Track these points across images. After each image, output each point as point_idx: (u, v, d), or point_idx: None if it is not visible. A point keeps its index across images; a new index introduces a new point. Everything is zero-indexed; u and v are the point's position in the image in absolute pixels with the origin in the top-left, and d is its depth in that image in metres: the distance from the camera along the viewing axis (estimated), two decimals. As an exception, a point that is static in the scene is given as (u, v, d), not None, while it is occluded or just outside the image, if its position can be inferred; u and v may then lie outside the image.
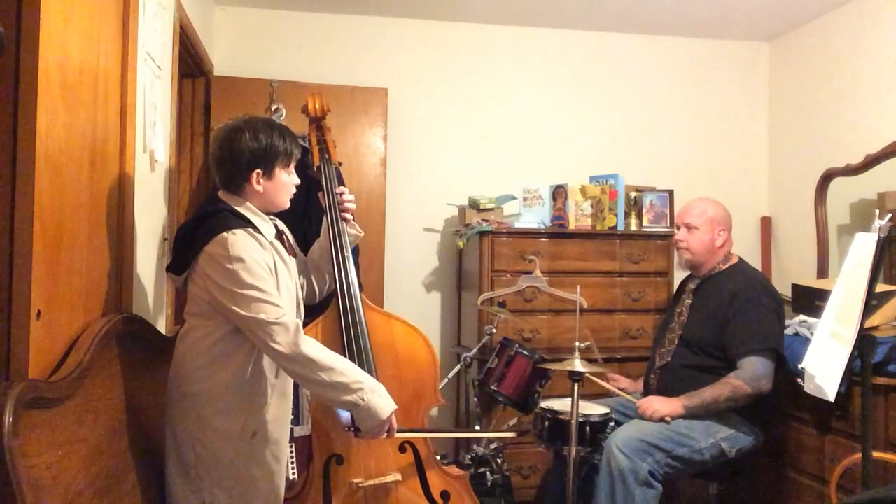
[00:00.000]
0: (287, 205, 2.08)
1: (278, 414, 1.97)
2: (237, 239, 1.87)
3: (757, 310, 2.66)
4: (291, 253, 2.11)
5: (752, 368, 2.58)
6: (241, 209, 1.99)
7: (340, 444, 2.18)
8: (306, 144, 3.21)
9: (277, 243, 2.03)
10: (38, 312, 1.42)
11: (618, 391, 2.84)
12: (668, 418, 2.57)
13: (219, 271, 1.85)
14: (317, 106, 2.39)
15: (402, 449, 2.24)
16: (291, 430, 2.08)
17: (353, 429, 2.02)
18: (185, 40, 2.89)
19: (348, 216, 2.34)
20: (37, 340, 1.41)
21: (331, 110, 2.45)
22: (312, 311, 2.33)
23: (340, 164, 2.48)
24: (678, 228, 2.91)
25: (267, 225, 2.01)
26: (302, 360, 1.83)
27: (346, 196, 2.34)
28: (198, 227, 1.93)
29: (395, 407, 1.97)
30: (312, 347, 1.86)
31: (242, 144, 1.98)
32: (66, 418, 1.47)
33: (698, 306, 2.83)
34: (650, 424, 2.58)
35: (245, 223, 1.94)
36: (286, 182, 2.04)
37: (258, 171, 1.98)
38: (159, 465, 2.01)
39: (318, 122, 2.42)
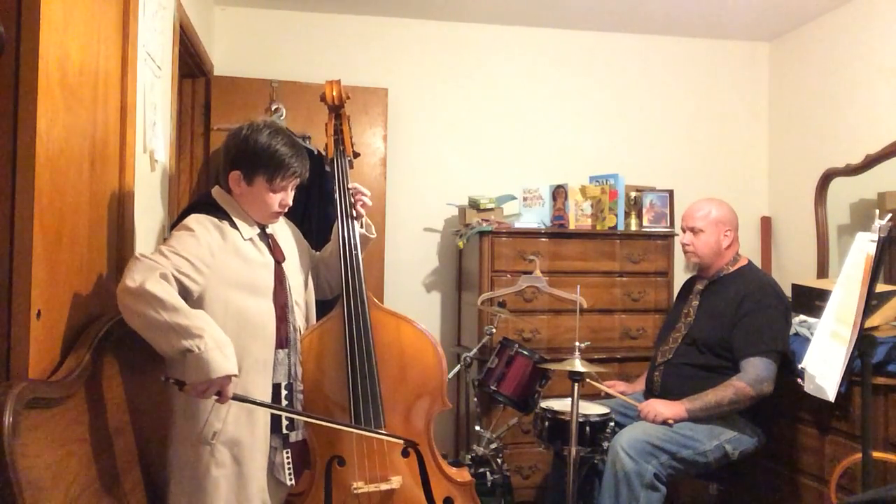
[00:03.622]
0: (263, 219, 2.05)
1: (240, 414, 1.93)
2: (198, 217, 1.92)
3: (765, 312, 2.65)
4: (279, 257, 2.09)
5: (755, 370, 2.57)
6: (224, 205, 2.01)
7: (342, 445, 2.17)
8: (308, 145, 3.20)
9: (259, 243, 2.03)
10: (38, 312, 1.42)
11: (618, 395, 2.83)
12: (670, 421, 2.57)
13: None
14: (334, 93, 2.34)
15: (405, 453, 2.21)
16: (287, 435, 2.05)
17: (174, 381, 1.76)
18: (185, 40, 2.89)
19: (361, 211, 2.28)
20: (37, 340, 1.41)
21: (350, 98, 2.39)
22: (326, 307, 2.31)
23: (357, 155, 2.42)
24: (683, 232, 2.88)
25: (246, 224, 2.01)
26: (145, 294, 1.68)
27: (360, 192, 2.29)
28: (180, 220, 1.97)
29: (234, 371, 1.76)
30: (162, 288, 1.71)
31: (234, 141, 2.00)
32: (66, 418, 1.47)
33: (706, 307, 2.82)
34: (655, 426, 2.57)
35: (223, 215, 1.96)
36: (264, 196, 1.99)
37: (238, 172, 1.98)
38: (159, 465, 2.01)
39: (336, 111, 2.36)
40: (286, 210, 2.07)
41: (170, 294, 1.73)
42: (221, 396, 1.78)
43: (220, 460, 1.92)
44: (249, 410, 1.95)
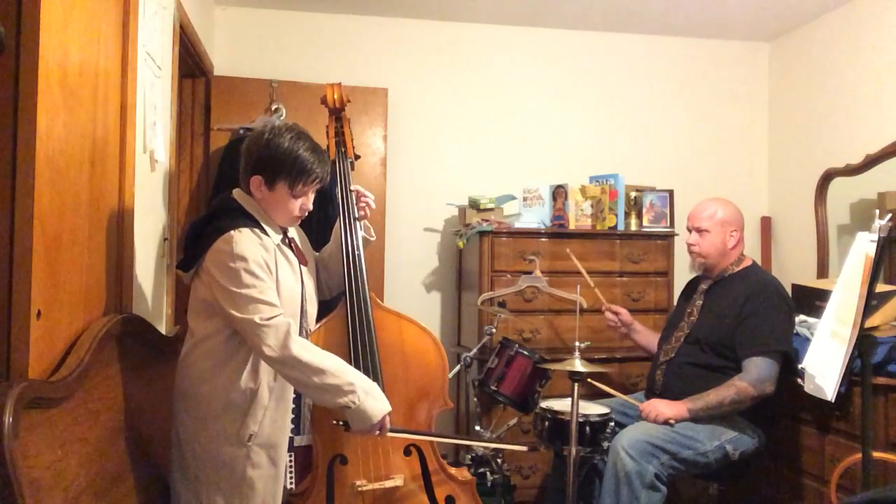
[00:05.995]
0: (284, 223, 2.04)
1: (276, 417, 1.95)
2: (242, 237, 1.86)
3: (769, 312, 2.64)
4: (302, 260, 2.08)
5: (757, 370, 2.57)
6: (250, 209, 1.98)
7: (344, 444, 2.17)
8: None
9: (285, 248, 2.02)
10: (38, 312, 1.42)
11: (619, 395, 2.83)
12: (672, 421, 2.57)
13: (221, 269, 1.84)
14: (335, 97, 2.36)
15: (407, 452, 2.22)
16: (291, 438, 2.06)
17: (342, 423, 2.00)
18: (185, 40, 2.89)
19: (363, 213, 2.29)
20: (37, 340, 1.41)
21: (350, 101, 2.41)
22: (326, 308, 2.31)
23: (358, 157, 2.44)
24: (689, 232, 2.87)
25: (272, 229, 2.00)
26: (292, 362, 1.82)
27: (364, 195, 2.30)
28: (207, 224, 1.93)
29: (389, 409, 1.94)
30: (302, 349, 1.83)
31: (256, 145, 1.98)
32: (66, 418, 1.47)
33: (710, 307, 2.81)
34: (655, 426, 2.57)
35: (253, 223, 1.94)
36: (285, 201, 1.97)
37: (259, 177, 1.96)
38: (159, 465, 2.01)
39: (336, 114, 2.38)
40: (306, 214, 2.06)
41: (311, 353, 1.86)
42: (381, 431, 1.98)
43: (257, 461, 1.92)
44: (282, 413, 1.97)
